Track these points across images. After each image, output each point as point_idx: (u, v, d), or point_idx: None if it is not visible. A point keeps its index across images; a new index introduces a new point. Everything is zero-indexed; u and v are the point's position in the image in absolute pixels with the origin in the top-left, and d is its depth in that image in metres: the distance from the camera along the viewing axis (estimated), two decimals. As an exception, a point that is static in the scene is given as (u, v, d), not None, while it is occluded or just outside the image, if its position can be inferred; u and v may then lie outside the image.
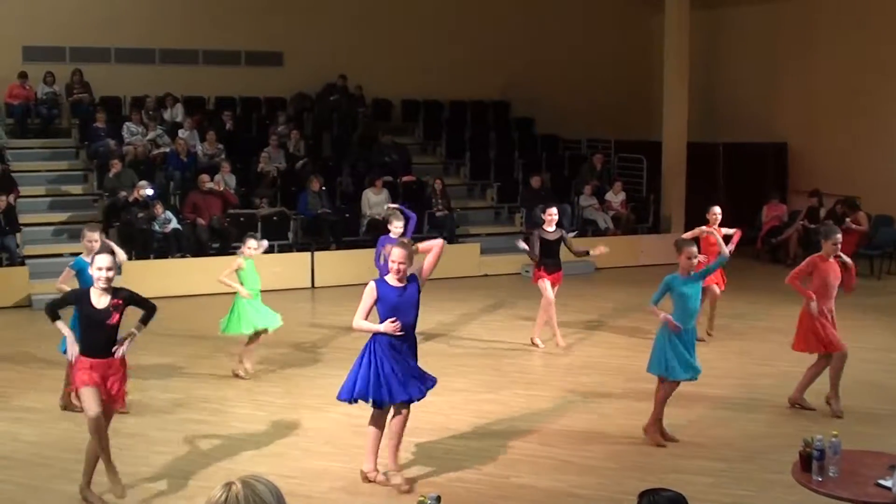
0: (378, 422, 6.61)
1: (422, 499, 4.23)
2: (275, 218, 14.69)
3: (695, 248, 7.51)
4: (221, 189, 14.53)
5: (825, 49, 17.53)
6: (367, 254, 11.50)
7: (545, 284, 10.10)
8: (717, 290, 10.56)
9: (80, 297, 6.22)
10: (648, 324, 10.46)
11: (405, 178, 16.35)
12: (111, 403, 6.21)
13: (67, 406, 8.16)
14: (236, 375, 9.28)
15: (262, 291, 9.29)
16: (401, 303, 6.33)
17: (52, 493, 6.50)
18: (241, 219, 14.36)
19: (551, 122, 19.20)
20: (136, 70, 17.28)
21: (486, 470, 6.94)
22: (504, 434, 7.72)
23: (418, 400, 6.52)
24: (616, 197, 16.78)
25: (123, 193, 13.99)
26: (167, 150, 15.65)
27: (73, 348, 6.20)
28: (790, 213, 16.84)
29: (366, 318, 6.41)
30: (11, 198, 13.62)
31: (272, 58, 18.29)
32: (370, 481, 6.64)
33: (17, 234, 13.47)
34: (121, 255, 7.84)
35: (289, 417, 8.10)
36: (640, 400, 8.34)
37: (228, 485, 2.47)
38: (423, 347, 6.73)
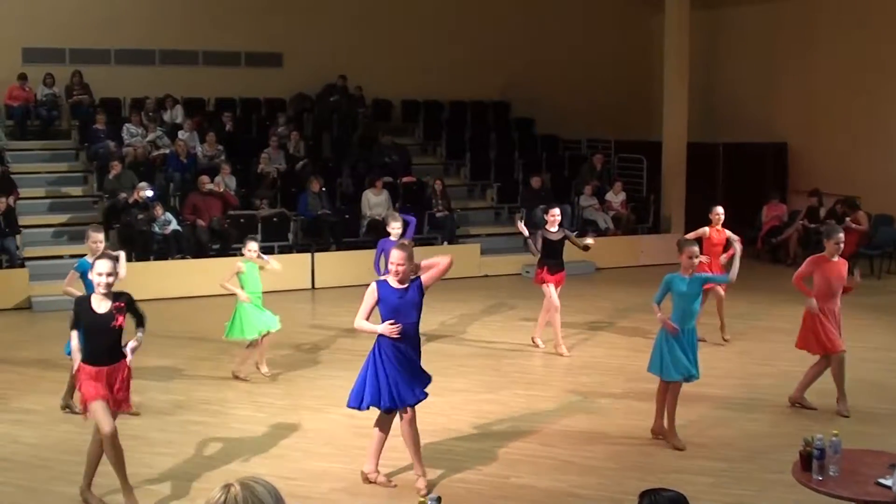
0: (384, 425, 6.61)
1: (422, 500, 4.22)
2: (275, 219, 14.69)
3: (696, 248, 7.51)
4: (221, 190, 14.53)
5: (825, 49, 17.53)
6: (368, 255, 11.50)
7: (550, 290, 10.10)
8: (721, 292, 10.53)
9: (81, 306, 6.18)
10: (649, 324, 10.46)
11: (405, 179, 16.35)
12: (116, 408, 6.19)
13: (68, 406, 8.15)
14: (236, 377, 9.28)
15: (263, 293, 9.27)
16: (401, 304, 6.32)
17: (52, 496, 6.49)
18: (242, 220, 14.36)
19: (551, 122, 19.20)
20: (136, 71, 17.28)
21: (486, 470, 6.94)
22: (504, 434, 7.72)
23: (423, 399, 6.53)
24: (616, 197, 16.78)
25: (123, 195, 13.99)
26: (167, 151, 15.64)
27: (76, 357, 6.17)
28: (790, 213, 16.84)
29: (367, 319, 6.42)
30: (11, 199, 13.61)
31: (272, 59, 18.30)
32: (371, 482, 6.64)
33: (17, 236, 13.46)
34: (122, 269, 7.68)
35: (289, 419, 8.10)
36: (640, 400, 8.34)
37: (227, 486, 2.47)
38: (423, 348, 6.72)
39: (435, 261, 6.53)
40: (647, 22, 20.26)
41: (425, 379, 6.53)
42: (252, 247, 9.15)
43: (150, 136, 15.96)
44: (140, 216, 13.66)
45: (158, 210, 13.68)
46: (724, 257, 10.52)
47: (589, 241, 10.64)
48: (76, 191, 15.51)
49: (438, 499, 4.27)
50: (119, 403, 6.20)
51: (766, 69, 18.69)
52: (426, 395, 6.53)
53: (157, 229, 13.67)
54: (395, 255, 6.34)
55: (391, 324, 6.25)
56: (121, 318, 6.09)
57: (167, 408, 8.42)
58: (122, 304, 6.11)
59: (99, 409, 6.00)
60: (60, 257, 13.47)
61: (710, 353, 9.77)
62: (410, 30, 18.96)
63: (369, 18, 18.67)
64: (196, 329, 11.43)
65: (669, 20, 17.15)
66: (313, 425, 7.93)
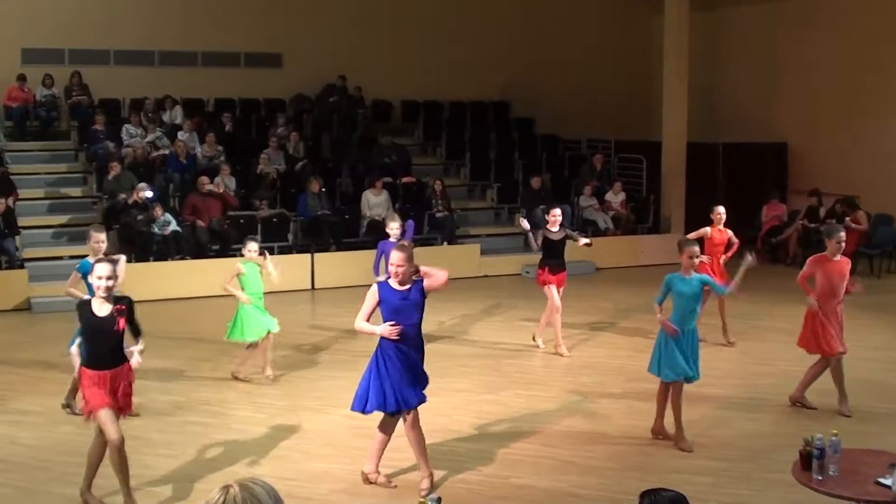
0: (387, 427, 6.60)
1: (422, 500, 4.22)
2: (274, 220, 14.69)
3: (697, 248, 7.49)
4: (221, 191, 14.52)
5: (825, 49, 17.53)
6: (368, 255, 11.48)
7: (552, 291, 10.09)
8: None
9: (81, 311, 6.13)
10: (649, 324, 10.45)
11: (405, 180, 16.35)
12: (119, 413, 6.18)
13: (69, 406, 8.13)
14: (236, 378, 9.27)
15: (264, 294, 9.26)
16: (402, 306, 6.31)
17: (51, 497, 6.49)
18: (241, 221, 14.36)
19: (551, 122, 19.20)
20: (135, 72, 17.27)
21: (486, 470, 6.93)
22: (505, 434, 7.72)
23: (424, 402, 6.52)
24: (616, 197, 16.78)
25: (123, 196, 13.98)
26: (166, 152, 15.63)
27: (75, 362, 6.16)
28: (790, 213, 16.84)
29: (367, 320, 6.41)
30: (10, 201, 13.60)
31: (271, 59, 18.29)
32: (371, 483, 6.63)
33: (17, 237, 13.45)
34: (121, 272, 7.64)
35: (289, 420, 8.09)
36: (640, 400, 8.34)
37: (226, 488, 2.47)
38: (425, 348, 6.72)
39: (434, 272, 6.48)
40: (646, 22, 20.26)
41: (424, 381, 6.53)
42: (252, 247, 9.13)
43: (150, 137, 15.95)
44: (139, 217, 13.66)
45: (158, 211, 13.67)
46: (724, 257, 10.52)
47: (585, 240, 10.60)
48: (75, 192, 15.50)
49: (438, 499, 4.26)
50: (122, 408, 6.19)
51: (766, 69, 18.68)
52: (426, 397, 6.53)
53: (156, 230, 13.66)
54: (395, 257, 6.34)
55: (391, 325, 6.25)
56: (122, 321, 6.08)
57: (167, 409, 8.41)
58: (123, 308, 6.09)
59: (107, 418, 5.99)
60: (60, 258, 13.46)
61: (711, 353, 9.76)
62: (410, 30, 18.96)
63: (368, 19, 18.67)
64: (196, 330, 11.43)
65: (669, 20, 17.15)
66: (313, 426, 7.93)
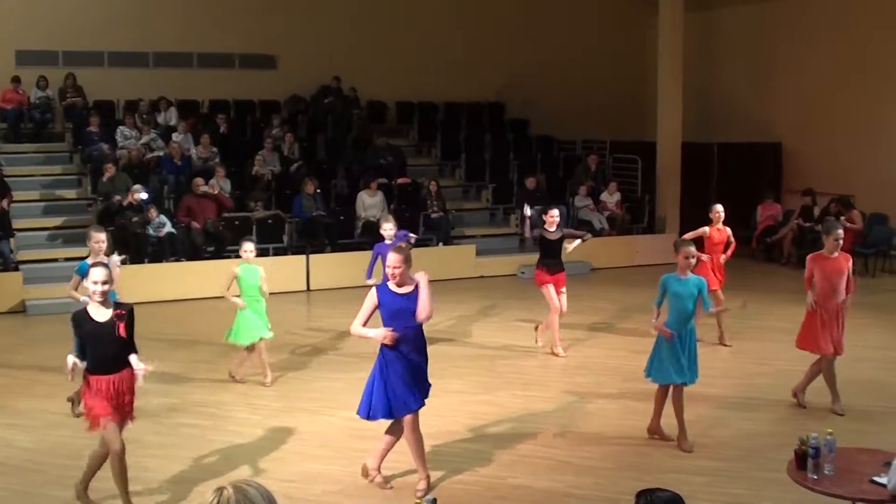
0: (395, 430, 6.59)
1: (419, 501, 4.22)
2: (269, 221, 14.68)
3: (692, 249, 7.47)
4: (216, 192, 14.50)
5: (819, 49, 17.56)
6: (363, 256, 11.48)
7: (550, 291, 10.07)
8: (721, 295, 10.46)
9: (78, 319, 6.06)
10: (645, 324, 10.43)
11: (400, 180, 16.35)
12: (122, 421, 6.15)
13: (73, 401, 8.07)
14: (232, 378, 9.26)
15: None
16: (402, 309, 6.28)
17: (47, 499, 6.47)
18: (236, 222, 14.35)
19: (546, 123, 19.21)
20: (130, 74, 17.25)
21: (482, 471, 6.93)
22: (501, 435, 7.71)
23: (423, 405, 6.51)
24: (611, 197, 16.79)
25: (117, 198, 13.96)
26: (161, 153, 15.62)
27: (70, 366, 6.12)
28: (785, 213, 16.87)
29: (365, 324, 6.38)
30: (5, 203, 13.59)
31: (266, 60, 18.29)
32: (369, 478, 6.62)
33: (11, 239, 13.42)
34: (115, 266, 7.64)
35: (285, 421, 8.08)
36: (637, 400, 8.34)
37: (220, 489, 2.47)
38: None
39: (424, 298, 6.25)
40: (641, 23, 20.28)
41: (426, 386, 6.51)
42: (248, 248, 9.11)
43: (144, 139, 15.93)
44: (134, 219, 13.63)
45: (153, 212, 13.65)
46: (723, 257, 10.52)
47: (576, 243, 10.41)
48: (70, 193, 15.48)
49: (434, 500, 4.26)
50: (125, 416, 6.17)
51: (761, 69, 18.72)
52: (427, 397, 6.52)
53: (151, 232, 13.64)
54: (392, 258, 6.31)
55: (388, 331, 6.22)
56: (122, 325, 6.04)
57: (162, 410, 8.39)
58: (123, 312, 6.05)
59: (111, 429, 5.98)
60: (55, 260, 13.44)
61: (708, 353, 9.75)
62: (405, 31, 18.96)
63: (363, 20, 18.67)
64: (191, 332, 11.41)
65: (663, 21, 17.17)
66: (309, 427, 7.92)
